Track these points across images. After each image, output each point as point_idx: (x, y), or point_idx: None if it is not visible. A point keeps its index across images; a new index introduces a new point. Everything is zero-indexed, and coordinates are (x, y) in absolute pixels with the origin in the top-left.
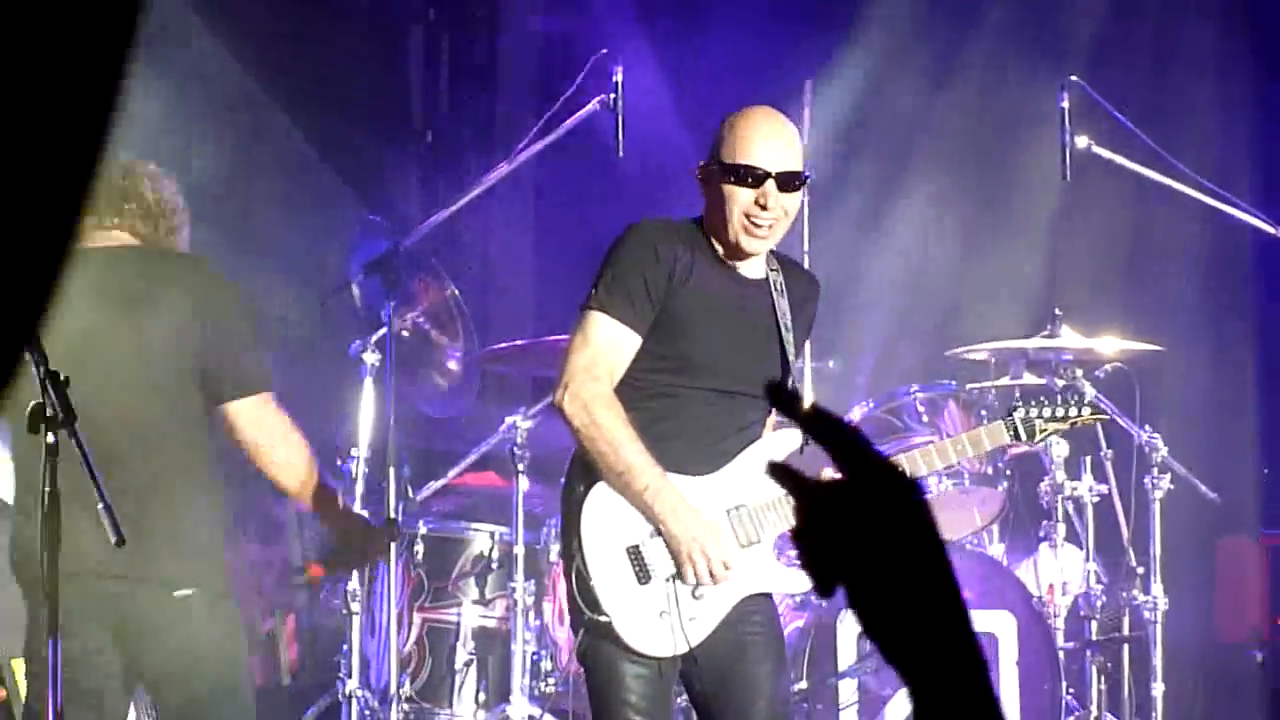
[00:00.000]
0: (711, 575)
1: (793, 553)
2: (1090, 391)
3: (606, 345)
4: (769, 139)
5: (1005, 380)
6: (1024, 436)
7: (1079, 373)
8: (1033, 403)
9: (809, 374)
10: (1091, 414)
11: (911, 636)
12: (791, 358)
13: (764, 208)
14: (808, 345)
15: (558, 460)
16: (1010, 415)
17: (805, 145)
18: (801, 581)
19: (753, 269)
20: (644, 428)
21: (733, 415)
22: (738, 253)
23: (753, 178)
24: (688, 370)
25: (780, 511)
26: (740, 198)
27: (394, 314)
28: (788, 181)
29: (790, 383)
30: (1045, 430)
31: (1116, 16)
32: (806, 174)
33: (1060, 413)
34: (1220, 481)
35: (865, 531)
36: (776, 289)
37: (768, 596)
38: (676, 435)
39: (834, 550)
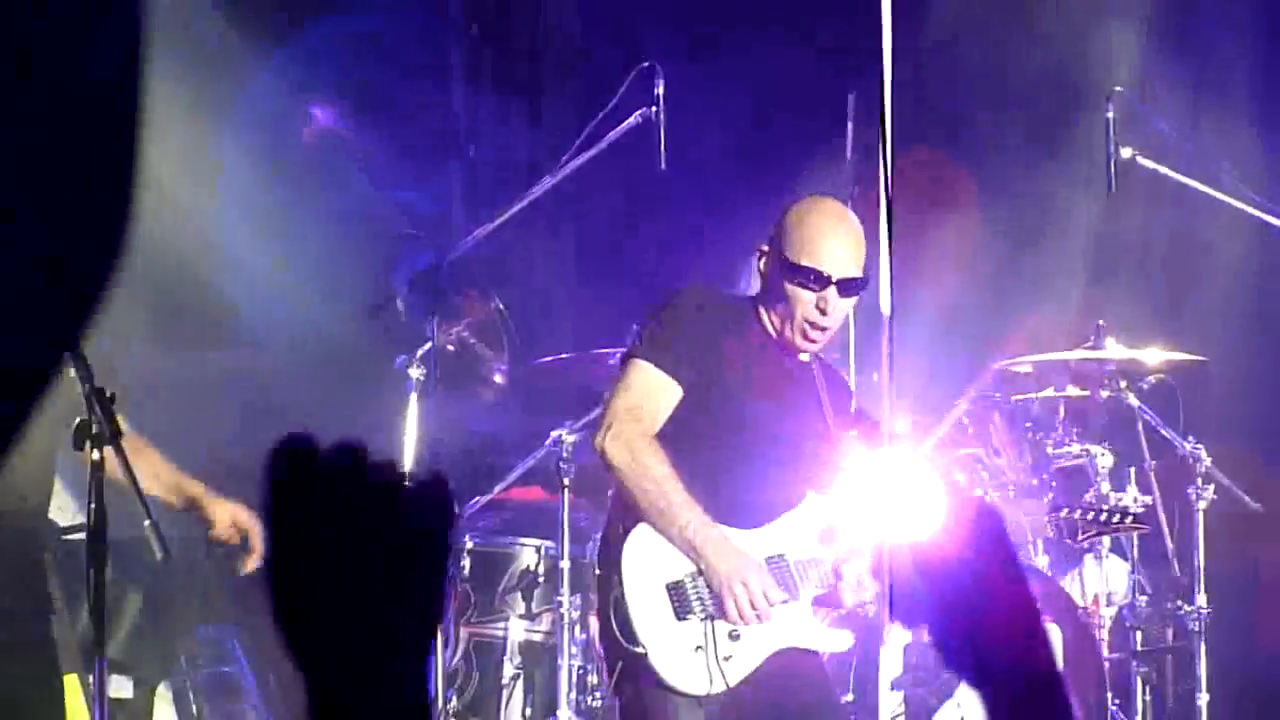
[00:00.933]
0: (754, 608)
1: (833, 611)
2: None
3: (648, 391)
4: (836, 242)
5: (1049, 392)
6: (1065, 535)
7: (1123, 384)
8: (1075, 506)
9: (853, 384)
10: (1130, 525)
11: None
12: (834, 441)
13: (824, 313)
14: (851, 358)
15: (603, 475)
16: (1053, 513)
17: (848, 158)
18: (837, 641)
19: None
20: (688, 482)
21: (773, 484)
22: (790, 349)
23: (816, 281)
24: (731, 430)
25: (819, 570)
26: (802, 300)
27: (439, 328)
28: (849, 287)
29: (830, 459)
30: (1088, 532)
31: (1162, 28)
32: (867, 279)
33: (1103, 518)
34: (1264, 492)
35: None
36: (820, 377)
37: (815, 657)
38: (720, 490)
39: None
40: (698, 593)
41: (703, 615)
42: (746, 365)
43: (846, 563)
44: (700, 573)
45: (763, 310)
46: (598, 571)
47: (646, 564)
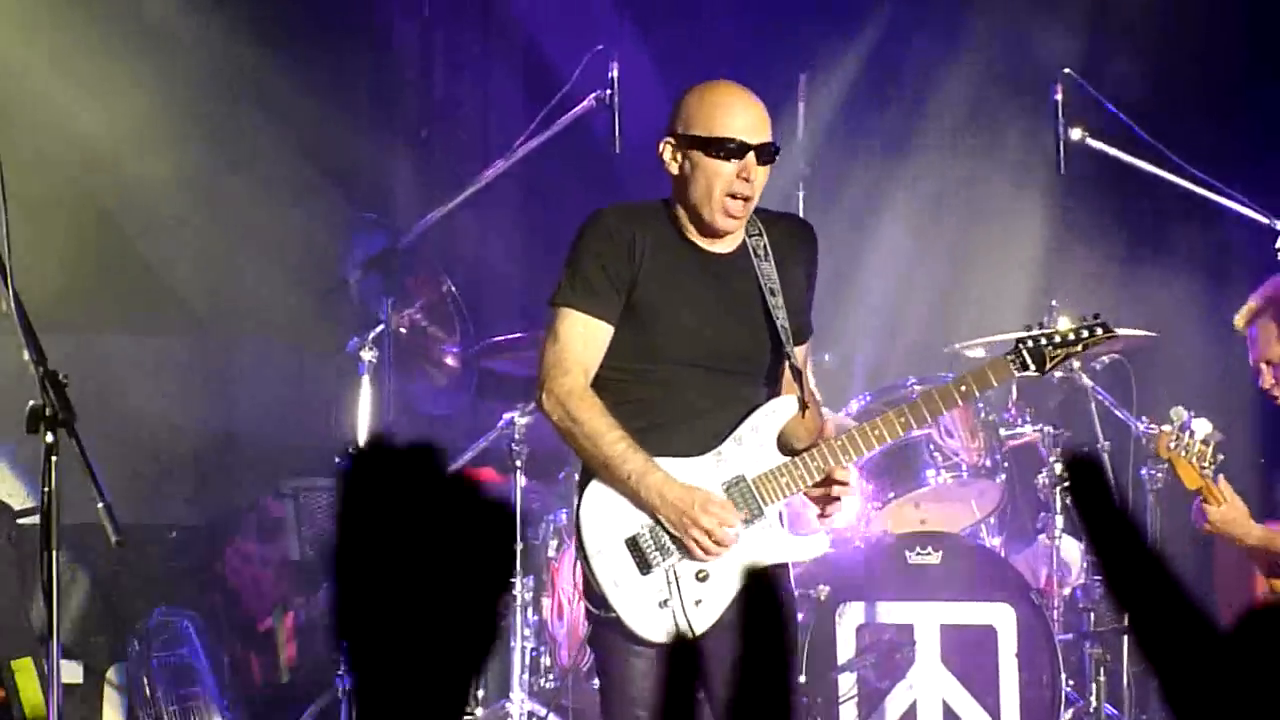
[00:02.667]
0: (718, 544)
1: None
2: (1099, 322)
3: (576, 339)
4: (745, 110)
5: None
6: (1033, 365)
7: (1076, 364)
8: (1041, 334)
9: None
10: (1103, 333)
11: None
12: (781, 323)
13: (746, 180)
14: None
15: (555, 456)
16: (1016, 347)
17: (798, 139)
18: (809, 548)
19: (725, 242)
20: (633, 416)
21: (722, 393)
22: (712, 231)
23: (736, 150)
24: (666, 353)
25: (781, 480)
26: (723, 173)
27: (391, 311)
28: (765, 154)
29: (784, 355)
30: (1056, 356)
31: (1109, 8)
32: (778, 146)
33: (1070, 337)
34: (1217, 471)
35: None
36: (757, 254)
37: (784, 568)
38: (665, 420)
39: None
40: (657, 543)
41: (666, 565)
42: (672, 275)
43: (812, 460)
44: (657, 522)
45: (679, 208)
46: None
47: (603, 524)
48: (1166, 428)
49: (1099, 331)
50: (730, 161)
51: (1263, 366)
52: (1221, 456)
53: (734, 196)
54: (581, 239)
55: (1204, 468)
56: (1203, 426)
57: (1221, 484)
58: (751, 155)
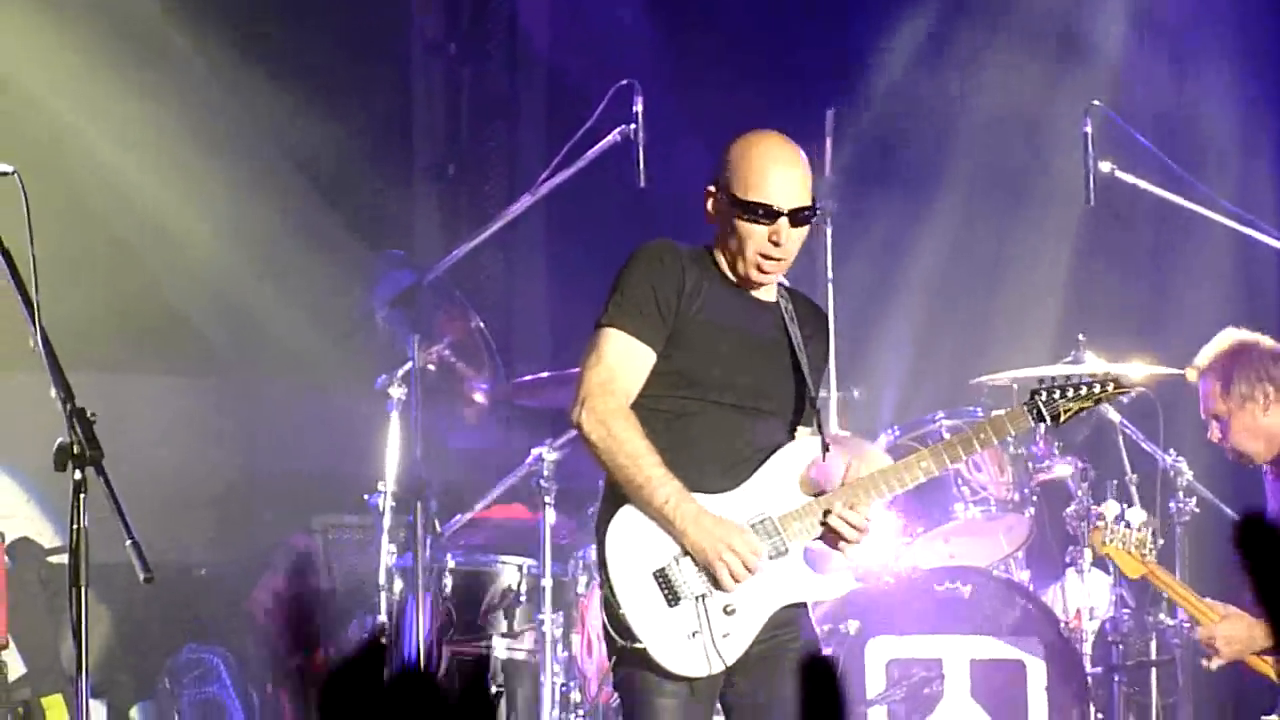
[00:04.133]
0: (747, 569)
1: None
2: (1116, 375)
3: (621, 360)
4: (782, 173)
5: None
6: (1047, 418)
7: (1090, 413)
8: (1054, 386)
9: (834, 403)
10: (1115, 389)
11: None
12: (808, 377)
13: (776, 244)
14: (832, 373)
15: (585, 492)
16: (1032, 399)
17: (827, 178)
18: (833, 586)
19: (764, 292)
20: (666, 449)
21: (752, 433)
22: (748, 284)
23: (767, 215)
24: (703, 387)
25: (805, 521)
26: (754, 235)
27: (419, 348)
28: (799, 217)
29: (809, 400)
30: (1070, 410)
31: (1137, 41)
32: (818, 206)
33: (1084, 391)
34: (1246, 504)
35: None
36: (788, 315)
37: (803, 608)
38: (696, 455)
39: None
40: (685, 575)
41: (694, 596)
42: (714, 313)
43: (833, 503)
44: (685, 552)
45: (718, 253)
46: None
47: (631, 554)
48: (1100, 523)
49: (1110, 388)
50: (762, 226)
51: (1211, 421)
52: (1161, 542)
53: (765, 256)
54: (633, 263)
55: (1145, 555)
56: (1137, 515)
57: (1212, 603)
58: (784, 220)
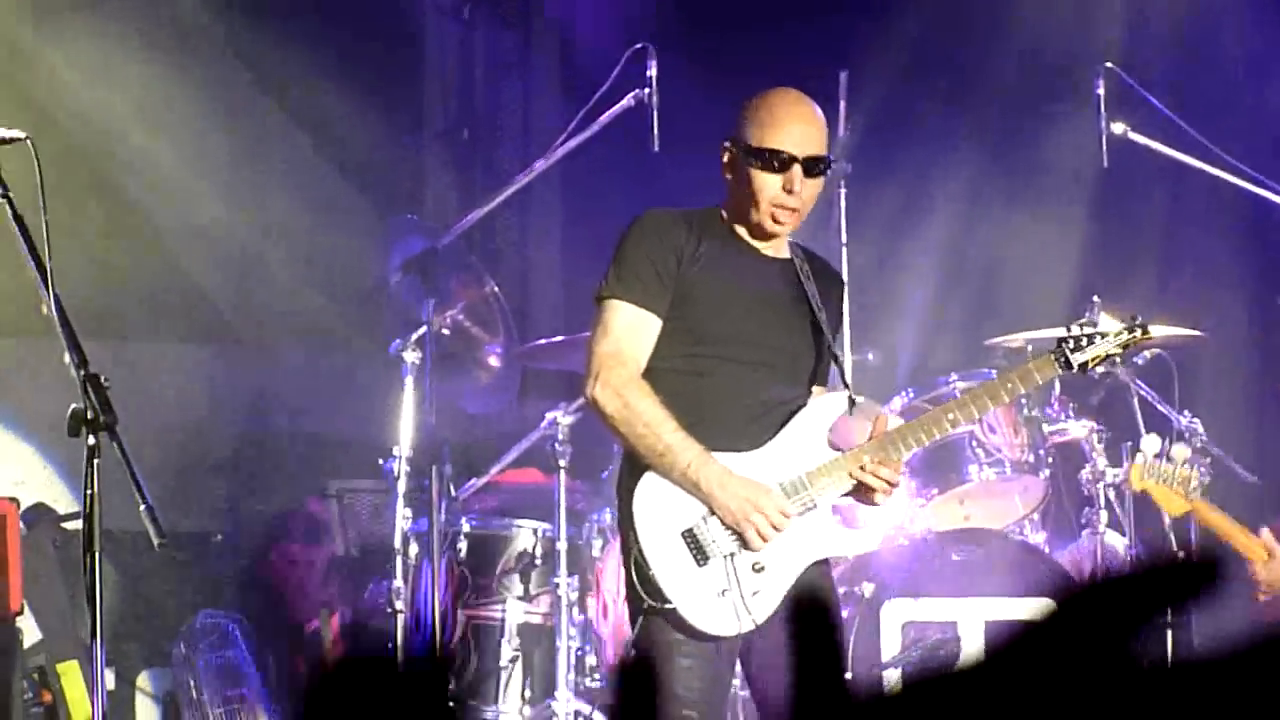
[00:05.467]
0: (774, 528)
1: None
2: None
3: (627, 330)
4: (798, 122)
5: None
6: (1074, 366)
7: (1119, 360)
8: (1081, 334)
9: (849, 366)
10: (1142, 335)
11: None
12: (826, 332)
13: (790, 192)
14: (846, 336)
15: (599, 455)
16: (1059, 347)
17: (840, 136)
18: (861, 542)
19: (777, 249)
20: (683, 411)
21: (769, 389)
22: (761, 234)
23: (779, 163)
24: (715, 345)
25: (834, 476)
26: (767, 183)
27: (433, 312)
28: (813, 167)
29: (826, 356)
30: (1097, 357)
31: (1152, 2)
32: (831, 158)
33: (1110, 338)
34: (1260, 465)
35: None
36: (803, 272)
37: (824, 564)
38: (717, 414)
39: None
40: (713, 534)
41: (723, 555)
42: (720, 271)
43: (862, 457)
44: (712, 512)
45: (731, 209)
46: (611, 527)
47: (658, 515)
48: (1139, 459)
49: (1139, 333)
50: (776, 174)
51: None
52: (1207, 479)
53: (779, 206)
54: (630, 234)
55: (1188, 491)
56: (1181, 451)
57: (1265, 535)
58: (798, 168)
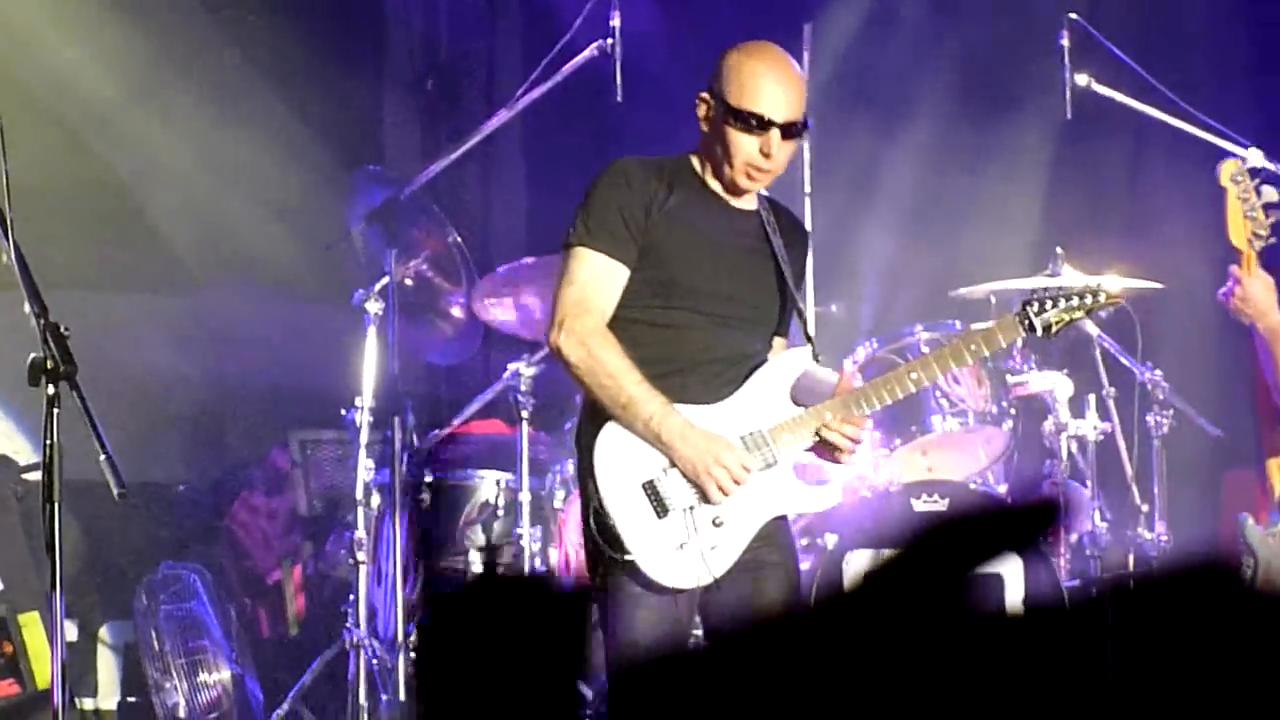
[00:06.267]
0: (735, 483)
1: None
2: (1101, 288)
3: (594, 280)
4: (778, 86)
5: None
6: (1039, 329)
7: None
8: (1045, 297)
9: (812, 318)
10: (1107, 299)
11: None
12: (791, 285)
13: (767, 156)
14: (810, 288)
15: (561, 406)
16: (1023, 310)
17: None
18: (821, 498)
19: (743, 201)
20: (648, 363)
21: (735, 342)
22: (733, 190)
23: (759, 126)
24: (682, 298)
25: (797, 432)
26: (745, 145)
27: (396, 262)
28: (791, 130)
29: (790, 310)
30: (1061, 321)
31: None
32: (808, 122)
33: (1074, 302)
34: (1223, 417)
35: None
36: (770, 226)
37: (783, 520)
38: (681, 367)
39: None
40: (673, 486)
41: (683, 508)
42: (689, 222)
43: (824, 414)
44: (673, 465)
45: (702, 160)
46: (572, 478)
47: (619, 466)
48: (1232, 162)
49: (1101, 298)
50: (754, 136)
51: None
52: (1274, 239)
53: (754, 167)
54: (599, 183)
55: (1254, 234)
56: (1270, 193)
57: (1257, 267)
58: (776, 132)
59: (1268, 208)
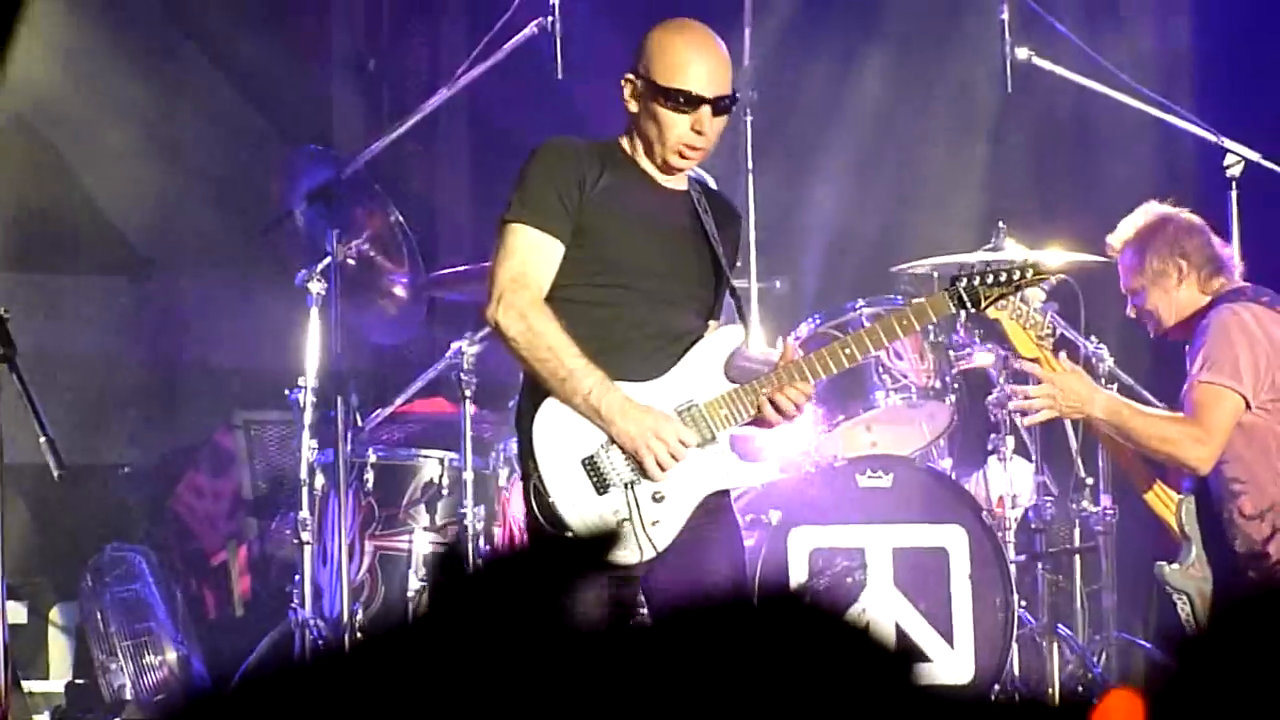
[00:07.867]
0: (673, 457)
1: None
2: (1036, 261)
3: (530, 254)
4: (705, 61)
5: None
6: (969, 304)
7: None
8: (976, 273)
9: (754, 293)
10: (1034, 275)
11: None
12: (724, 265)
13: (699, 133)
14: (752, 263)
15: (505, 385)
16: (953, 285)
17: (745, 66)
18: (758, 474)
19: (674, 182)
20: (585, 341)
21: (671, 320)
22: (665, 169)
23: (689, 103)
24: (617, 276)
25: (733, 407)
26: (676, 123)
27: (338, 242)
28: (721, 105)
29: (724, 290)
30: (990, 296)
31: None
32: (737, 93)
33: (1004, 278)
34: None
35: None
36: (701, 206)
37: (725, 497)
38: (618, 344)
39: None
40: (613, 462)
41: (622, 484)
42: (622, 202)
43: (760, 389)
44: (612, 440)
45: (633, 141)
46: (514, 455)
47: (558, 442)
48: (1019, 303)
49: (1030, 274)
50: (684, 114)
51: (1129, 295)
52: (1059, 332)
53: (686, 145)
54: (533, 160)
55: (1041, 337)
56: (1036, 295)
57: (1063, 359)
58: (706, 108)
59: (1043, 308)
